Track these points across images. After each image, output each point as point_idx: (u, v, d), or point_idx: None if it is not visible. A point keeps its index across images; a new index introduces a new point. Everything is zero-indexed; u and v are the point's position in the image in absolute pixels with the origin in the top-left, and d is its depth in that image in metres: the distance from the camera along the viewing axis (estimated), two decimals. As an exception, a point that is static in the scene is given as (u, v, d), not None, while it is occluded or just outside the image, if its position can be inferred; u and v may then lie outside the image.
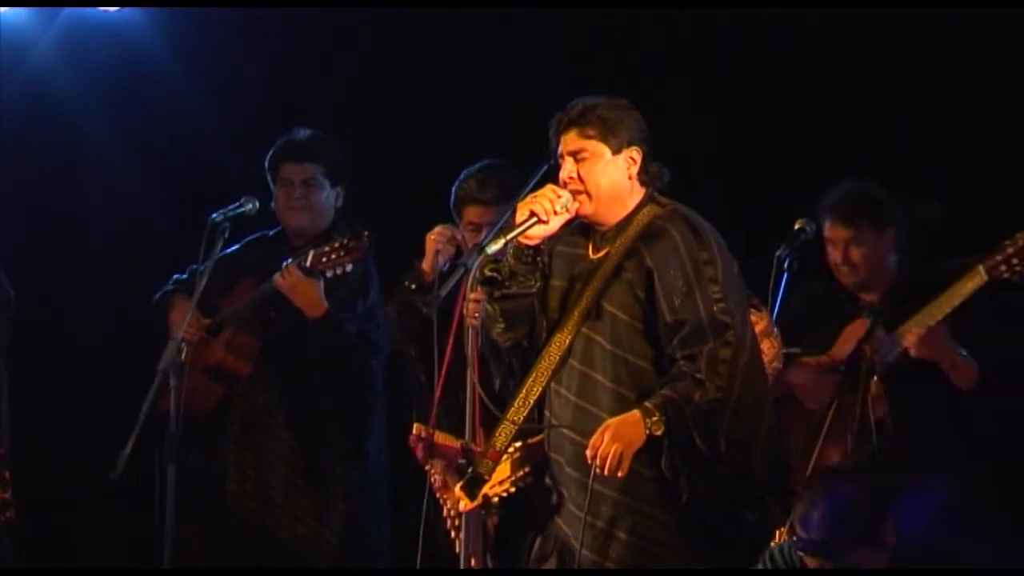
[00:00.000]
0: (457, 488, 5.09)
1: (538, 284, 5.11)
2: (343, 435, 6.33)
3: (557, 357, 5.06)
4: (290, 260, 6.12)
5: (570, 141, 5.06)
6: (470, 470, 5.05)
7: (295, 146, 6.37)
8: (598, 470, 4.82)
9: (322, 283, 6.10)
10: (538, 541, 5.13)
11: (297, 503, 6.32)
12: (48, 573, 6.60)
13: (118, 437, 5.62)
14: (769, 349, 5.38)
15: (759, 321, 5.33)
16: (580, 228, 5.14)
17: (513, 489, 5.14)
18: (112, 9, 7.56)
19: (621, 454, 4.81)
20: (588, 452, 4.85)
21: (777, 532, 5.57)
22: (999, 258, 5.59)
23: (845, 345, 5.94)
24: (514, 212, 5.02)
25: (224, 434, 6.35)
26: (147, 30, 7.56)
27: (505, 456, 5.11)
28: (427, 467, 5.66)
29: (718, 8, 6.95)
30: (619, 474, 4.82)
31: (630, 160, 5.06)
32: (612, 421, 4.86)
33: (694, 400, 4.85)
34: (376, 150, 7.05)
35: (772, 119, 6.86)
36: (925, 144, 6.62)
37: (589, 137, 5.04)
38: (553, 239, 5.11)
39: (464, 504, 5.10)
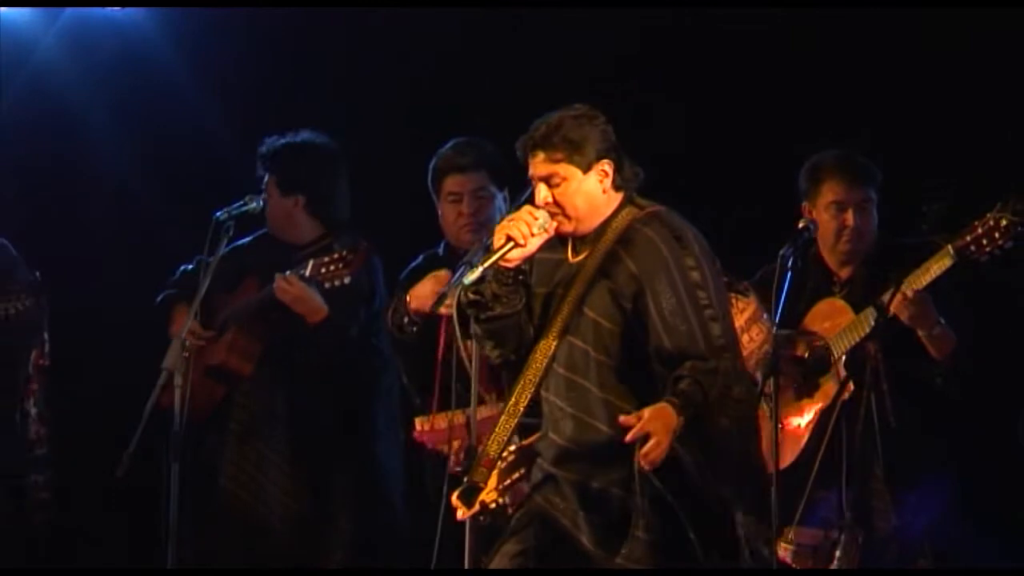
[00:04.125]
0: (454, 497, 5.08)
1: (523, 301, 5.09)
2: (347, 437, 6.34)
3: (543, 364, 5.04)
4: (289, 271, 6.13)
5: (539, 166, 5.00)
6: (465, 479, 5.06)
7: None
8: (644, 463, 4.79)
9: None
10: (519, 512, 5.11)
11: (299, 503, 6.33)
12: (48, 573, 6.59)
13: (122, 436, 5.62)
14: (758, 334, 5.40)
15: (746, 308, 5.36)
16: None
17: (508, 495, 5.11)
18: (116, 9, 7.57)
19: (662, 444, 4.78)
20: (629, 436, 4.79)
21: (784, 530, 5.62)
22: (968, 238, 5.55)
23: (813, 326, 5.94)
24: (492, 236, 5.01)
25: (225, 434, 6.36)
26: (151, 29, 7.57)
27: (500, 462, 5.11)
28: (444, 451, 5.71)
29: (719, 8, 6.98)
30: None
31: (602, 173, 5.01)
32: (650, 411, 4.80)
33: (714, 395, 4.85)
34: (377, 150, 7.05)
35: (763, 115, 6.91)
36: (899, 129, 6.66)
37: (557, 161, 4.98)
38: None
39: (462, 513, 5.08)
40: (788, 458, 5.73)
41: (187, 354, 5.76)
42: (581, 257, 5.06)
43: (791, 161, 6.16)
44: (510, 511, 5.11)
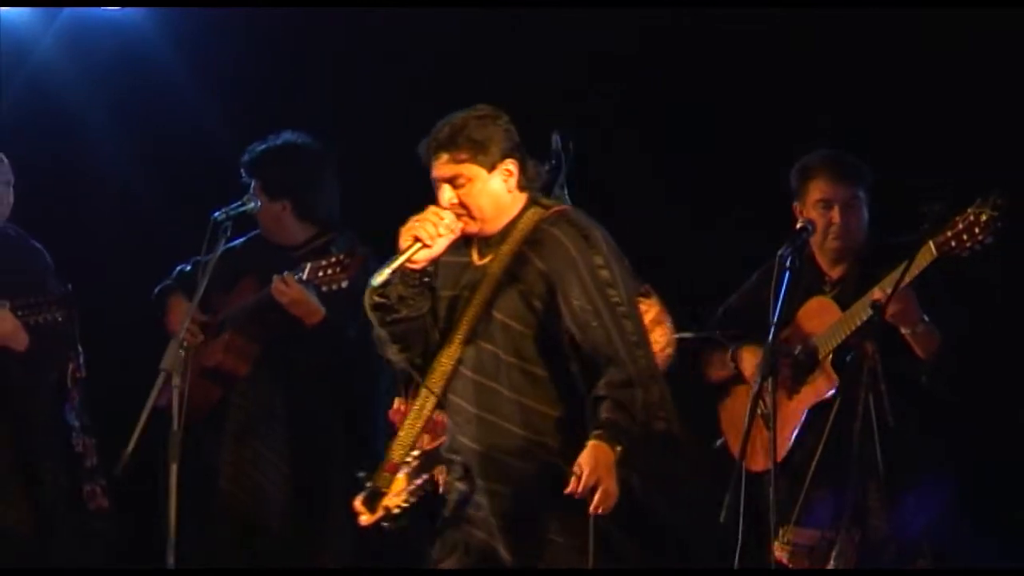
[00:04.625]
0: (357, 503, 5.07)
1: (428, 304, 5.08)
2: (346, 437, 6.34)
3: (449, 367, 5.03)
4: (287, 273, 6.13)
5: (443, 167, 4.99)
6: (368, 484, 5.05)
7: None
8: (595, 511, 4.80)
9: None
10: (437, 542, 5.12)
11: (297, 504, 6.34)
12: (50, 573, 6.59)
13: (120, 436, 5.62)
14: (661, 336, 5.34)
15: (649, 309, 5.30)
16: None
17: (413, 499, 5.10)
18: (115, 9, 7.57)
19: (609, 489, 4.80)
20: (577, 491, 4.80)
21: (780, 530, 5.62)
22: (949, 234, 5.54)
23: (802, 324, 5.93)
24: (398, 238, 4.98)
25: (222, 434, 6.37)
26: (149, 29, 7.57)
27: (404, 467, 5.10)
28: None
29: (718, 8, 6.98)
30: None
31: (506, 173, 5.00)
32: (587, 457, 4.80)
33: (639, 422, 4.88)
34: (376, 150, 7.05)
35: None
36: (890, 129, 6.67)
37: (462, 161, 4.97)
38: None
39: (365, 518, 5.07)
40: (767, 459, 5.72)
41: (184, 353, 5.77)
42: (487, 260, 5.05)
43: (790, 161, 6.16)
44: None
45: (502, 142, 5.00)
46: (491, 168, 4.98)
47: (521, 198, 5.06)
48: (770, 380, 5.53)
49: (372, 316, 5.07)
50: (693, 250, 7.05)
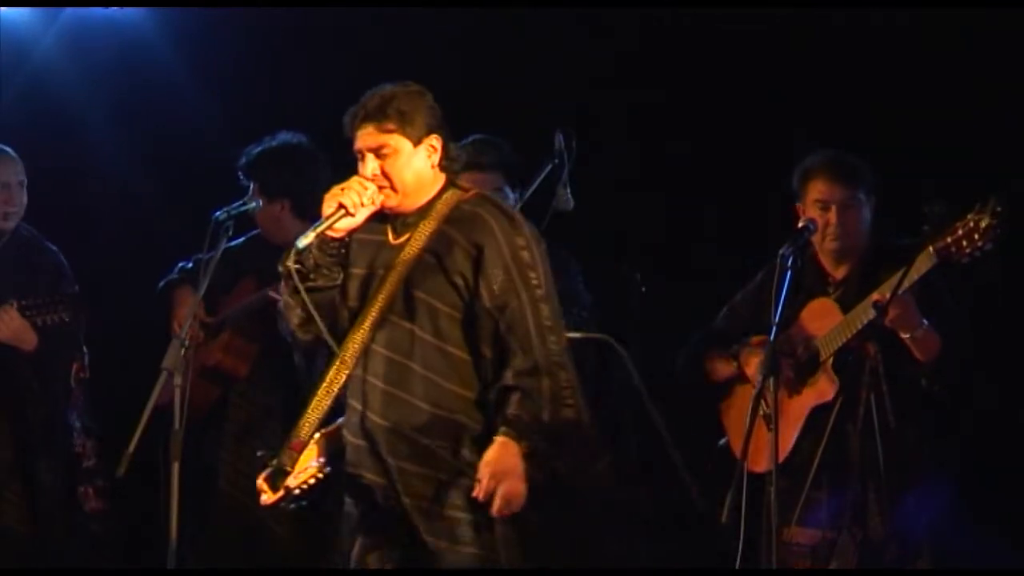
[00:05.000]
0: (260, 480, 5.04)
1: (340, 276, 5.05)
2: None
3: (360, 344, 4.99)
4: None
5: (368, 137, 4.97)
6: (273, 462, 5.02)
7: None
8: (498, 513, 4.83)
9: None
10: (359, 541, 5.09)
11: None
12: (51, 573, 6.59)
13: (119, 436, 5.62)
14: None
15: None
16: (377, 214, 5.05)
17: (313, 480, 5.05)
18: (115, 9, 7.57)
19: (515, 488, 4.82)
20: (480, 495, 4.82)
21: (784, 530, 5.61)
22: (949, 240, 5.52)
23: (804, 326, 5.93)
24: (322, 203, 4.97)
25: (221, 434, 6.37)
26: (149, 29, 7.57)
27: (310, 446, 5.06)
28: None
29: (718, 8, 6.98)
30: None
31: (431, 148, 4.99)
32: (490, 458, 4.83)
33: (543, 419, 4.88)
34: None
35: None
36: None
37: (389, 132, 4.96)
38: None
39: (267, 497, 5.04)
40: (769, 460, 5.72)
41: (185, 352, 5.77)
42: (403, 239, 5.02)
43: (793, 161, 6.16)
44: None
45: (428, 118, 4.99)
46: (417, 142, 4.97)
47: (441, 178, 5.04)
48: (772, 380, 5.53)
49: (284, 283, 5.01)
50: (694, 250, 7.06)
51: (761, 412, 5.57)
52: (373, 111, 4.96)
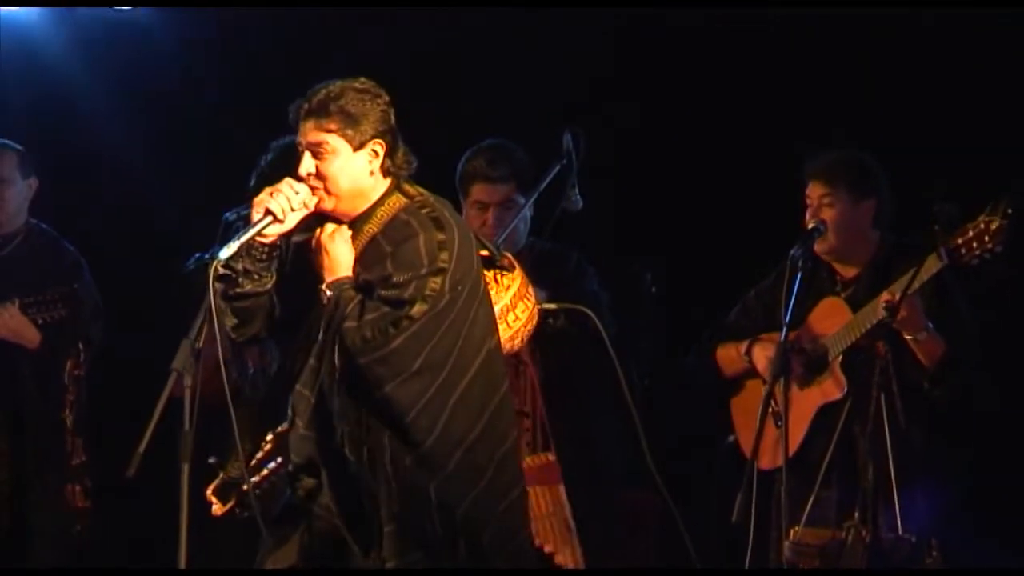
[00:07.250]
0: (208, 492, 5.01)
1: (273, 280, 4.86)
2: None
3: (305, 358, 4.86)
4: None
5: (308, 133, 4.76)
6: (221, 474, 4.98)
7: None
8: None
9: None
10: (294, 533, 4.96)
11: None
12: (53, 573, 6.61)
13: (117, 435, 5.63)
14: (523, 311, 5.12)
15: (512, 283, 5.10)
16: (320, 217, 4.87)
17: (266, 485, 5.04)
18: (116, 8, 7.58)
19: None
20: None
21: (792, 531, 5.61)
22: (959, 241, 5.53)
23: (814, 325, 5.92)
24: (250, 210, 4.80)
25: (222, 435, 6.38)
26: (152, 29, 7.57)
27: (259, 452, 5.04)
28: None
29: (718, 8, 6.99)
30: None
31: (372, 154, 4.78)
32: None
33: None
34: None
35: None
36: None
37: (329, 131, 4.74)
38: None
39: (217, 508, 5.02)
40: (779, 457, 5.72)
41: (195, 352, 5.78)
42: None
43: (797, 162, 6.17)
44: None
45: (376, 121, 4.78)
46: (358, 146, 4.76)
47: (384, 183, 4.84)
48: (782, 380, 5.54)
49: (214, 288, 4.73)
50: (698, 250, 7.07)
51: (771, 410, 5.59)
52: (316, 107, 4.76)
